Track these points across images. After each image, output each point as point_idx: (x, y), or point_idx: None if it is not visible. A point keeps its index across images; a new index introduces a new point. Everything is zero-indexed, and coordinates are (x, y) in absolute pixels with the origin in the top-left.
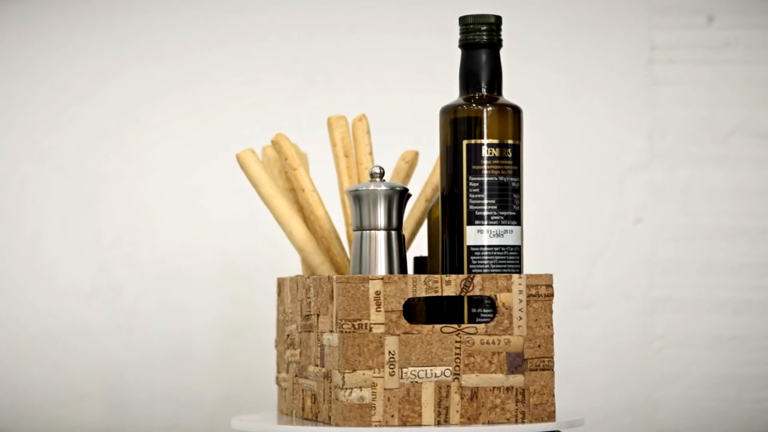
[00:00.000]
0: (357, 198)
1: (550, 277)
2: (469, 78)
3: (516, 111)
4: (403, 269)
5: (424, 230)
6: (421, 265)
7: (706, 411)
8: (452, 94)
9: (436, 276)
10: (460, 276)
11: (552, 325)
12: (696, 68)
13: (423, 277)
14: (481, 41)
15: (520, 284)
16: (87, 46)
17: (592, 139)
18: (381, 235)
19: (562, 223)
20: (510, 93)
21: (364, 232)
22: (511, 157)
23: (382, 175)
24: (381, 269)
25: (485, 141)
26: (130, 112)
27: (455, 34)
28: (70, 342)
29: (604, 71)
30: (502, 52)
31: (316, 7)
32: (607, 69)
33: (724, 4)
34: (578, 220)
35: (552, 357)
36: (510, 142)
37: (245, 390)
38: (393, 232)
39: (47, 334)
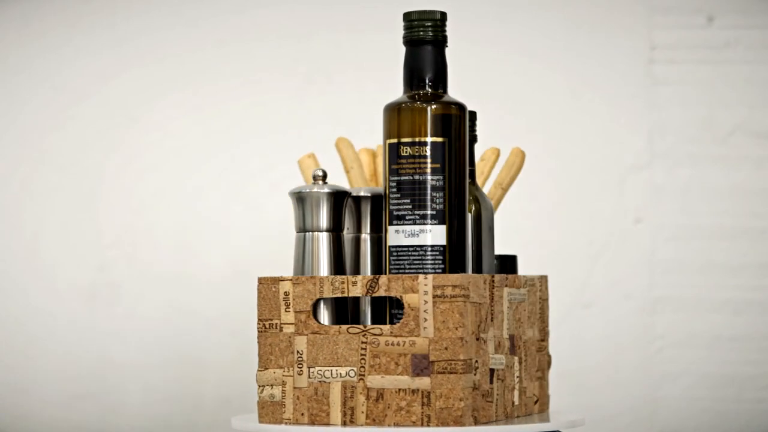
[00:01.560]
0: (300, 200)
1: (458, 277)
2: (413, 75)
3: (443, 108)
4: (342, 270)
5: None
6: (504, 263)
7: (706, 411)
8: (451, 92)
9: (343, 277)
10: (366, 277)
11: (464, 326)
12: (696, 68)
13: (331, 278)
14: (426, 38)
15: (425, 285)
16: (87, 46)
17: (592, 139)
18: (324, 237)
19: (563, 223)
20: (510, 93)
21: (306, 233)
22: (428, 155)
23: (324, 177)
24: (324, 270)
25: (401, 140)
26: (130, 112)
27: (455, 34)
28: (70, 342)
29: (604, 71)
30: (504, 52)
31: (316, 7)
32: (607, 69)
33: (724, 4)
34: (578, 220)
35: (463, 360)
36: (427, 139)
37: (245, 390)
38: (335, 234)
39: (47, 334)
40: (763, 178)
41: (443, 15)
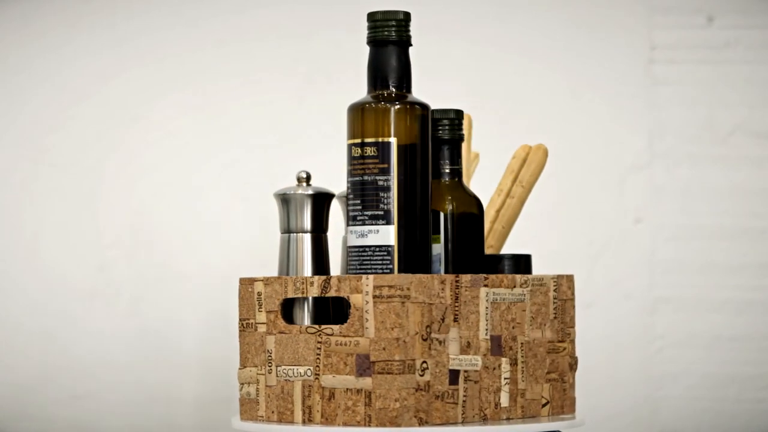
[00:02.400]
0: (285, 201)
1: (396, 277)
2: (377, 75)
3: (399, 108)
4: (325, 270)
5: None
6: (518, 262)
7: (706, 411)
8: (448, 91)
9: (304, 277)
10: (321, 277)
11: (401, 327)
12: (696, 68)
13: (294, 278)
14: (389, 38)
15: (367, 285)
16: (87, 46)
17: (592, 139)
18: (308, 238)
19: (562, 223)
20: (510, 92)
21: (291, 234)
22: (376, 155)
23: (308, 178)
24: (307, 271)
25: (354, 141)
26: (130, 112)
27: (455, 34)
28: (70, 342)
29: (604, 71)
30: (504, 52)
31: (316, 7)
32: (607, 69)
33: (724, 4)
34: (578, 220)
35: (399, 361)
36: (372, 140)
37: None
38: (317, 235)
39: (47, 333)
40: (763, 178)
41: (407, 15)
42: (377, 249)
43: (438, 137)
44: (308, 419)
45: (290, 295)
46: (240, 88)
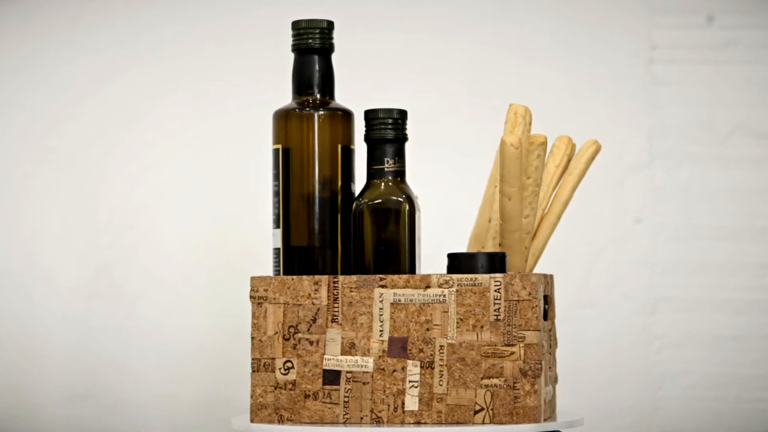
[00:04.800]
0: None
1: (256, 279)
2: (301, 82)
3: (299, 115)
4: None
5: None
6: (492, 261)
7: (706, 411)
8: (448, 91)
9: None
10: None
11: (257, 327)
12: (696, 68)
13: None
14: (314, 45)
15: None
16: (87, 46)
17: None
18: None
19: (562, 223)
20: (510, 92)
21: None
22: (272, 161)
23: None
24: None
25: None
26: (130, 111)
27: (455, 34)
28: (70, 342)
29: (604, 71)
30: (504, 53)
31: (316, 7)
32: (607, 69)
33: (724, 4)
34: (578, 220)
35: (255, 359)
36: (274, 146)
37: (245, 390)
38: None
39: (47, 333)
40: (763, 178)
41: (330, 24)
42: (275, 251)
43: (382, 137)
44: None
45: None
46: (240, 88)
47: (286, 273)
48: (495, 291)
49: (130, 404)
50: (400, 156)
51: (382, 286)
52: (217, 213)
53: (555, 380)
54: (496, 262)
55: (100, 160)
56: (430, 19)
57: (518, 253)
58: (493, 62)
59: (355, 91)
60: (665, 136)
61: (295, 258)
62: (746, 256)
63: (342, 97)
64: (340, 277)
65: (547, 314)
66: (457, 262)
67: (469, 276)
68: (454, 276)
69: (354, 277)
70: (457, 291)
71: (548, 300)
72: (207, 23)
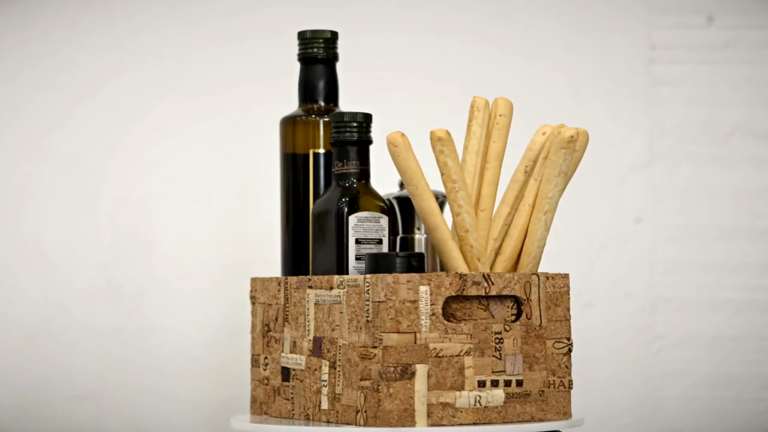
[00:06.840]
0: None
1: (252, 280)
2: (306, 90)
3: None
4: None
5: None
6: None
7: (706, 411)
8: (449, 91)
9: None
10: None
11: (252, 325)
12: (696, 68)
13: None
14: (318, 55)
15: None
16: (87, 46)
17: (592, 139)
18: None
19: (562, 223)
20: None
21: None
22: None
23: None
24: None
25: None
26: (130, 111)
27: (455, 35)
28: (70, 342)
29: (604, 71)
30: (504, 52)
31: (316, 7)
32: (607, 69)
33: (724, 4)
34: (578, 220)
35: (251, 355)
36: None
37: (245, 390)
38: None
39: (47, 333)
40: (763, 178)
41: (334, 34)
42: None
43: (346, 139)
44: None
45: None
46: (240, 88)
47: (293, 273)
48: (366, 292)
49: (130, 404)
50: (359, 158)
51: (310, 287)
52: (217, 213)
53: (568, 384)
54: (412, 263)
55: (100, 160)
56: (429, 18)
57: (451, 251)
58: (494, 62)
59: (356, 91)
60: (665, 136)
61: (287, 258)
62: (746, 256)
63: (342, 99)
64: (290, 279)
65: (522, 315)
66: (375, 263)
67: (352, 277)
68: (346, 277)
69: (295, 279)
70: (347, 292)
71: (521, 300)
72: (207, 23)
